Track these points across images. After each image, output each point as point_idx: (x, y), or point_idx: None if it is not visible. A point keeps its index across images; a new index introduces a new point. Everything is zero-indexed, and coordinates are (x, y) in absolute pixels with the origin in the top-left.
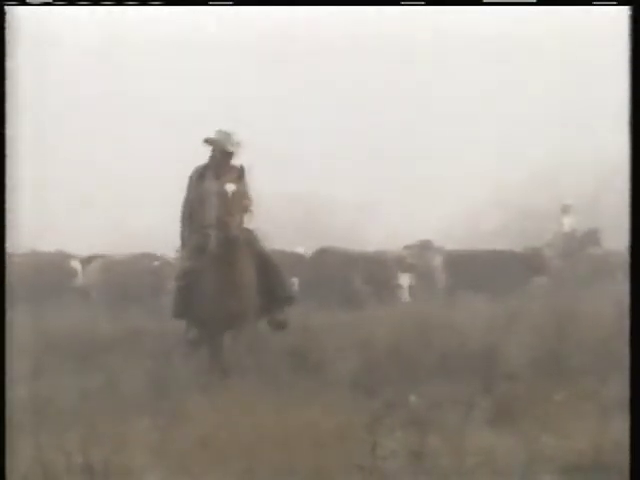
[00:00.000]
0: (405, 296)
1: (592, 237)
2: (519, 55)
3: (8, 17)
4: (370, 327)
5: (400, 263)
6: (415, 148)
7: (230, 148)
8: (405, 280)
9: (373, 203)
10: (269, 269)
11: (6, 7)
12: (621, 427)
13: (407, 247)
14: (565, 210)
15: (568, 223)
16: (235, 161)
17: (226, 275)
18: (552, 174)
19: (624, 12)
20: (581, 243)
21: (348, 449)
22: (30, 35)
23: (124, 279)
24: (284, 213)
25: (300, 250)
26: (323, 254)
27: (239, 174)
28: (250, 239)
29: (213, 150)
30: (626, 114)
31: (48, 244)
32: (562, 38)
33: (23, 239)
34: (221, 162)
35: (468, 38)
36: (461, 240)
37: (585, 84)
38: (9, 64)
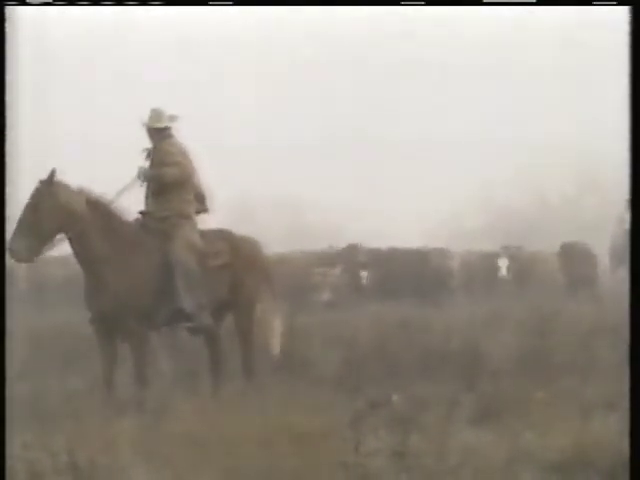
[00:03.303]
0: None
1: None
2: (518, 55)
3: (8, 17)
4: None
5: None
6: (401, 149)
7: (159, 124)
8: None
9: (358, 205)
10: (170, 275)
11: (6, 7)
12: (602, 425)
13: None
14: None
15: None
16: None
17: (96, 268)
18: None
19: (624, 12)
20: None
21: (332, 447)
22: (30, 35)
23: None
24: (269, 215)
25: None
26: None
27: (180, 158)
28: (169, 233)
29: (149, 133)
30: (626, 115)
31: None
32: (562, 38)
33: None
34: (156, 142)
35: (467, 38)
36: (445, 240)
37: (585, 84)
38: (9, 64)
